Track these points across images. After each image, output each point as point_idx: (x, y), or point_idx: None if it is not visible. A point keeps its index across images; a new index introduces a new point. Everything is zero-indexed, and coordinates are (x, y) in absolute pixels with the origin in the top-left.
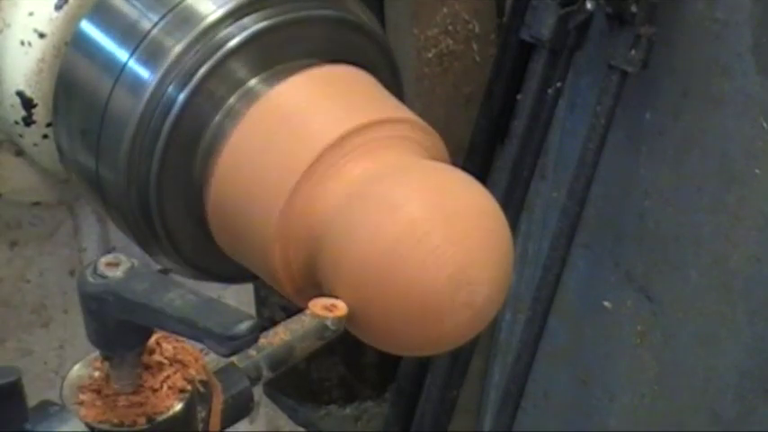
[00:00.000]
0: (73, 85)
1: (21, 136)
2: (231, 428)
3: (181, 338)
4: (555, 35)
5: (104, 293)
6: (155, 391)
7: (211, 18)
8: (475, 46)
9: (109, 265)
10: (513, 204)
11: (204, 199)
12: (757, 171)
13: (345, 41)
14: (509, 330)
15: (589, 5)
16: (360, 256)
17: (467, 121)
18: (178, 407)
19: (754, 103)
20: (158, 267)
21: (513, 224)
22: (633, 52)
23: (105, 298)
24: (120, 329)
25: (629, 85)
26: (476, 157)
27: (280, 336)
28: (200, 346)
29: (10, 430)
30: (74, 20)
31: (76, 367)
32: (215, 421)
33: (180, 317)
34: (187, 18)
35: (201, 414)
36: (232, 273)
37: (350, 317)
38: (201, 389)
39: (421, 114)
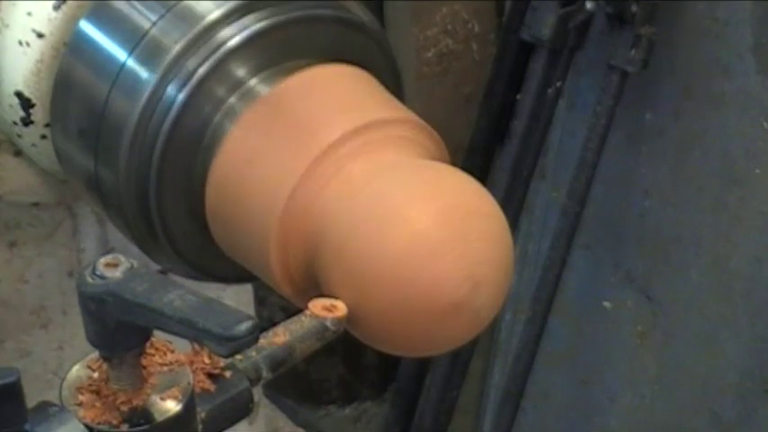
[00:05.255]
0: (71, 86)
1: (19, 136)
2: (231, 429)
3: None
4: (555, 35)
5: (103, 294)
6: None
7: (211, 17)
8: (475, 46)
9: (108, 265)
10: (513, 204)
11: (204, 199)
12: (758, 171)
13: (345, 41)
14: (509, 330)
15: (589, 5)
16: (360, 256)
17: (467, 121)
18: (177, 407)
19: (755, 103)
20: (157, 268)
21: (513, 224)
22: (633, 52)
23: (104, 298)
24: (120, 330)
25: (629, 85)
26: (476, 157)
27: (279, 336)
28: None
29: (9, 431)
30: (72, 20)
31: (75, 368)
32: None
33: (179, 317)
34: (186, 17)
35: (201, 415)
36: (231, 273)
37: (350, 317)
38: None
39: (421, 114)
